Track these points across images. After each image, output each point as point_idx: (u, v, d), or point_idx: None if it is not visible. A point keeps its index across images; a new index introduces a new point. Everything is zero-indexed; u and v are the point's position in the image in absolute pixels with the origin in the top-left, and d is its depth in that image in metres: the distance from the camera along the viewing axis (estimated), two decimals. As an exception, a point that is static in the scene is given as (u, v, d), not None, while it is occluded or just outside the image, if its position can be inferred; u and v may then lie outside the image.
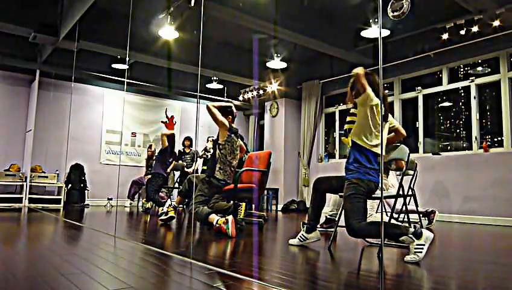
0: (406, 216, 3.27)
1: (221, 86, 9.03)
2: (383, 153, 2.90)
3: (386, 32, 6.18)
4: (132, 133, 8.77)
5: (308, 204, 6.72)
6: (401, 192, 2.88)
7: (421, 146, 6.63)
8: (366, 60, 6.93)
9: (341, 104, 8.03)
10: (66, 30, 5.85)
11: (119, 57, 7.43)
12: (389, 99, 6.92)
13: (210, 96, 9.10)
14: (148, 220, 5.24)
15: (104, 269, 2.13)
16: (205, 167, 6.78)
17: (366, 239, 3.18)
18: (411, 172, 3.44)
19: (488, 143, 5.89)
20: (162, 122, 9.37)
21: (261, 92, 8.79)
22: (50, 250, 2.72)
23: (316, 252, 2.85)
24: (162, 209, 4.64)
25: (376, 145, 2.59)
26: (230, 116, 4.09)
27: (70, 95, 7.42)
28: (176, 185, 7.65)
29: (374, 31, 6.04)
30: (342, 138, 2.80)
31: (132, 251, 2.77)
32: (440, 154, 6.30)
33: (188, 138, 7.78)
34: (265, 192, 7.99)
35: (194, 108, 9.26)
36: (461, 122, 6.60)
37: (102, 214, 6.13)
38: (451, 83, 6.37)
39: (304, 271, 2.32)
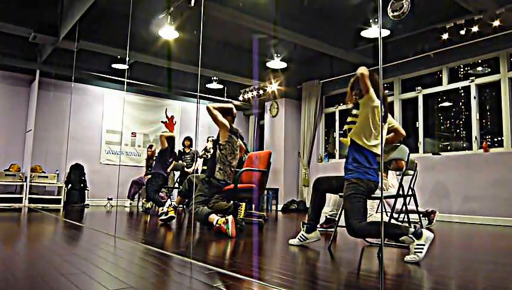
0: (406, 216, 3.27)
1: (221, 86, 9.03)
2: (383, 153, 2.90)
3: (386, 32, 6.18)
4: (132, 133, 8.77)
5: (308, 204, 6.72)
6: (401, 192, 2.88)
7: (421, 146, 6.63)
8: (366, 60, 6.92)
9: (341, 104, 8.03)
10: (66, 30, 5.85)
11: (119, 57, 7.43)
12: (389, 99, 6.92)
13: (210, 96, 9.11)
14: (148, 220, 5.24)
15: (104, 269, 2.13)
16: (205, 167, 6.78)
17: (366, 239, 3.19)
18: (411, 172, 3.44)
19: (488, 143, 5.89)
20: (162, 122, 9.38)
21: (261, 92, 8.79)
22: (50, 250, 2.72)
23: (316, 252, 2.85)
24: (162, 209, 4.64)
25: (375, 146, 2.59)
26: (230, 116, 4.09)
27: (70, 95, 7.42)
28: (176, 185, 7.65)
29: (374, 31, 6.04)
30: (341, 138, 2.80)
31: (132, 251, 2.77)
32: (440, 154, 6.30)
33: (188, 138, 7.78)
34: (265, 192, 7.99)
35: (194, 108, 9.26)
36: (461, 122, 6.60)
37: (102, 214, 6.13)
38: (451, 83, 6.37)
39: (304, 271, 2.32)
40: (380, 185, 2.66)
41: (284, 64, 7.68)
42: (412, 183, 3.62)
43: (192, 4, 4.96)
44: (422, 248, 2.33)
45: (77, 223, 4.54)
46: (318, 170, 8.00)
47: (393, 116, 6.72)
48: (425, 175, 5.71)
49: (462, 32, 5.56)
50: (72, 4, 5.70)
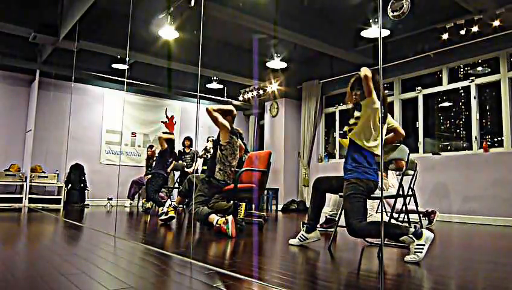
0: (406, 216, 3.27)
1: (221, 86, 9.03)
2: (383, 153, 2.90)
3: (386, 32, 6.18)
4: (132, 133, 8.77)
5: (308, 204, 6.72)
6: (401, 192, 2.88)
7: (421, 146, 6.63)
8: (366, 60, 6.93)
9: (341, 104, 8.02)
10: (66, 30, 5.85)
11: (119, 57, 7.42)
12: (389, 99, 6.92)
13: (210, 96, 9.11)
14: (148, 220, 5.24)
15: (104, 269, 2.13)
16: (205, 167, 6.78)
17: (366, 239, 3.19)
18: (411, 172, 3.44)
19: (488, 143, 5.89)
20: (162, 122, 9.39)
21: (261, 92, 8.79)
22: (50, 250, 2.72)
23: (316, 252, 2.85)
24: (162, 209, 4.64)
25: (375, 146, 2.59)
26: (229, 117, 4.08)
27: (70, 95, 7.42)
28: (176, 185, 7.65)
29: (374, 31, 6.04)
30: (339, 139, 2.80)
31: (132, 251, 2.77)
32: (440, 154, 6.30)
33: (188, 138, 7.78)
34: (265, 192, 7.99)
35: (194, 108, 9.26)
36: (461, 122, 6.60)
37: (102, 214, 6.13)
38: (451, 83, 6.37)
39: (304, 271, 2.32)
40: (379, 184, 2.67)
41: (284, 64, 7.68)
42: (412, 183, 3.61)
43: (192, 4, 4.96)
44: (423, 248, 2.33)
45: (77, 223, 4.54)
46: (318, 170, 8.00)
47: (393, 116, 6.73)
48: (425, 175, 5.71)
49: (462, 32, 5.56)
50: (72, 4, 5.70)
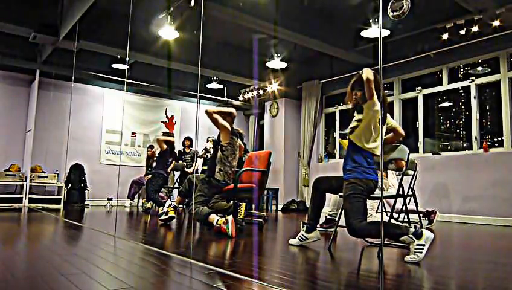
0: (406, 216, 3.27)
1: (221, 86, 9.03)
2: (383, 154, 2.90)
3: (386, 32, 6.18)
4: (132, 133, 8.77)
5: (308, 204, 6.72)
6: (401, 192, 2.88)
7: (421, 146, 6.63)
8: (366, 60, 6.93)
9: (341, 104, 8.02)
10: (66, 30, 5.85)
11: (119, 57, 7.42)
12: (389, 99, 6.92)
13: (210, 96, 9.11)
14: (148, 220, 5.24)
15: (104, 269, 2.13)
16: (205, 167, 6.78)
17: (366, 239, 3.19)
18: (411, 172, 3.44)
19: (488, 143, 5.89)
20: (162, 122, 9.40)
21: (261, 92, 8.78)
22: (50, 250, 2.72)
23: (316, 252, 2.85)
24: (162, 209, 4.64)
25: (375, 148, 2.60)
26: (229, 118, 4.07)
27: (70, 95, 7.41)
28: (176, 185, 7.65)
29: (374, 31, 6.03)
30: (339, 140, 2.80)
31: (132, 251, 2.77)
32: (440, 154, 6.30)
33: (188, 138, 7.78)
34: (265, 192, 7.99)
35: (194, 108, 9.26)
36: (461, 122, 6.60)
37: (102, 214, 6.13)
38: (451, 83, 6.37)
39: (304, 271, 2.32)
40: (379, 184, 2.67)
41: (284, 64, 7.68)
42: (412, 183, 3.62)
43: (192, 4, 4.96)
44: (423, 248, 2.33)
45: (77, 223, 4.54)
46: (318, 170, 8.00)
47: (393, 116, 6.74)
48: (425, 175, 5.71)
49: (462, 32, 5.56)
50: (72, 4, 5.70)
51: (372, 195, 2.64)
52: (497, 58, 5.86)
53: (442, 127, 6.93)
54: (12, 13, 5.95)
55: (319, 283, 1.99)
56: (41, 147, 7.43)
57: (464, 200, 5.79)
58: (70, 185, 7.54)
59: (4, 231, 3.83)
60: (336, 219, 3.37)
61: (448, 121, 6.86)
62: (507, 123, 5.66)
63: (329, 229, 3.92)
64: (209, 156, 6.74)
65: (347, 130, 2.71)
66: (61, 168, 7.47)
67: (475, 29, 5.44)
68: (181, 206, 6.07)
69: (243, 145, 4.67)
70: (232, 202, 3.99)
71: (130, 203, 7.82)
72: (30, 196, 7.05)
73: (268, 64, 7.71)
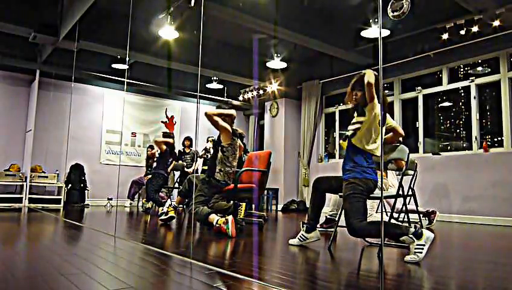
0: (406, 216, 3.27)
1: (221, 86, 9.03)
2: (383, 154, 2.90)
3: (386, 32, 6.18)
4: (132, 133, 8.77)
5: (308, 204, 6.72)
6: (401, 192, 2.88)
7: (421, 146, 6.62)
8: (366, 60, 6.93)
9: (341, 104, 8.02)
10: (66, 30, 5.85)
11: (119, 57, 7.42)
12: (389, 99, 6.93)
13: (210, 96, 9.11)
14: (148, 220, 5.24)
15: (104, 269, 2.13)
16: (205, 167, 6.78)
17: (366, 239, 3.19)
18: (411, 172, 3.44)
19: (488, 143, 5.89)
20: (162, 122, 9.40)
21: (261, 92, 8.78)
22: (50, 250, 2.72)
23: (316, 252, 2.85)
24: (162, 209, 4.64)
25: (375, 148, 2.60)
26: (229, 119, 4.07)
27: (70, 95, 7.42)
28: (176, 185, 7.65)
29: (374, 31, 6.03)
30: (340, 142, 2.79)
31: (132, 251, 2.77)
32: (440, 154, 6.30)
33: (188, 138, 7.78)
34: (265, 192, 7.99)
35: (194, 108, 9.26)
36: (461, 122, 6.60)
37: (102, 214, 6.13)
38: (451, 83, 6.37)
39: (304, 271, 2.32)
40: (379, 184, 2.67)
41: (284, 64, 7.68)
42: (412, 183, 3.62)
43: (192, 4, 4.96)
44: (423, 248, 2.33)
45: (77, 223, 4.54)
46: (318, 170, 8.00)
47: (393, 116, 6.74)
48: (425, 175, 5.71)
49: (462, 32, 5.56)
50: (72, 4, 5.70)
51: (372, 195, 2.64)
52: (497, 58, 5.87)
53: (442, 127, 6.93)
54: (12, 13, 5.95)
55: (319, 283, 1.99)
56: (41, 147, 7.43)
57: (464, 200, 5.79)
58: (70, 185, 7.54)
59: (4, 231, 3.83)
60: (336, 218, 3.37)
61: (448, 121, 6.86)
62: (507, 123, 5.66)
63: (329, 229, 3.92)
64: (209, 156, 6.74)
65: (347, 132, 2.71)
66: (61, 168, 7.47)
67: (475, 29, 5.44)
68: (181, 206, 6.07)
69: (242, 145, 4.66)
70: (232, 202, 3.99)
71: (130, 203, 7.82)
72: (30, 196, 7.05)
73: (268, 64, 7.71)
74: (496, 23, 5.25)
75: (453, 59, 6.24)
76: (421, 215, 4.48)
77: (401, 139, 3.10)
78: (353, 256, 2.86)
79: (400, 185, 2.87)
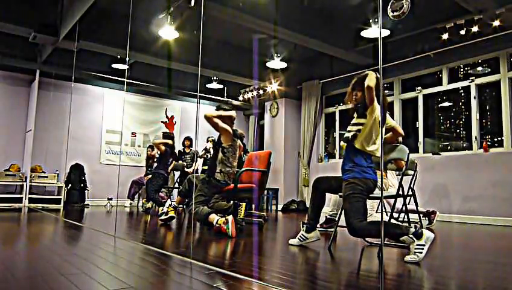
0: (406, 216, 3.27)
1: (221, 86, 9.03)
2: (383, 154, 2.90)
3: (386, 32, 6.18)
4: (132, 133, 8.77)
5: (308, 204, 6.72)
6: (401, 192, 2.88)
7: (421, 146, 6.63)
8: (366, 60, 6.93)
9: (341, 104, 8.03)
10: (66, 30, 5.85)
11: (119, 57, 7.42)
12: (389, 99, 6.93)
13: (210, 96, 9.11)
14: (148, 220, 5.24)
15: (104, 269, 2.13)
16: (205, 167, 6.78)
17: (366, 239, 3.19)
18: (411, 172, 3.44)
19: (488, 143, 5.89)
20: (162, 122, 9.40)
21: (261, 92, 8.78)
22: (50, 250, 2.72)
23: (316, 252, 2.85)
24: (162, 209, 4.64)
25: (375, 149, 2.60)
26: (229, 120, 4.06)
27: (70, 95, 7.42)
28: (176, 185, 7.65)
29: (374, 31, 6.03)
30: (341, 143, 2.78)
31: (132, 251, 2.77)
32: (440, 154, 6.30)
33: (188, 138, 7.78)
34: (265, 192, 7.99)
35: (194, 108, 9.26)
36: (461, 122, 6.60)
37: (102, 214, 6.13)
38: (451, 83, 6.37)
39: (304, 271, 2.32)
40: (379, 184, 2.67)
41: (284, 64, 7.67)
42: (412, 183, 3.62)
43: (192, 4, 4.96)
44: (423, 248, 2.33)
45: (77, 223, 4.54)
46: (318, 170, 8.00)
47: (393, 116, 6.74)
48: (425, 175, 5.71)
49: (462, 32, 5.56)
50: (72, 4, 5.70)
51: (372, 195, 2.64)
52: (497, 58, 5.87)
53: (442, 127, 6.93)
54: (12, 13, 5.95)
55: (319, 283, 1.99)
56: (41, 147, 7.43)
57: (464, 200, 5.79)
58: (70, 185, 7.54)
59: (4, 231, 3.83)
60: (336, 218, 3.37)
61: (448, 121, 6.86)
62: (507, 123, 5.66)
63: (329, 229, 3.92)
64: (209, 156, 6.74)
65: (347, 134, 2.70)
66: (61, 168, 7.47)
67: (475, 29, 5.44)
68: (181, 206, 6.07)
69: (242, 145, 4.67)
70: (232, 202, 3.99)
71: (130, 203, 7.83)
72: (30, 196, 7.05)
73: (268, 64, 7.71)
74: (496, 23, 5.25)
75: (453, 59, 6.24)
76: (421, 215, 4.48)
77: (400, 138, 3.10)
78: (353, 256, 2.86)
79: (400, 185, 2.87)
